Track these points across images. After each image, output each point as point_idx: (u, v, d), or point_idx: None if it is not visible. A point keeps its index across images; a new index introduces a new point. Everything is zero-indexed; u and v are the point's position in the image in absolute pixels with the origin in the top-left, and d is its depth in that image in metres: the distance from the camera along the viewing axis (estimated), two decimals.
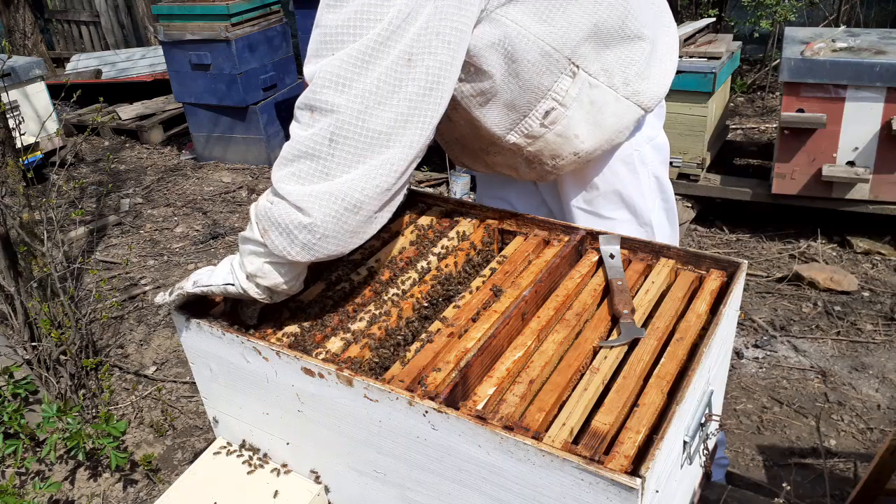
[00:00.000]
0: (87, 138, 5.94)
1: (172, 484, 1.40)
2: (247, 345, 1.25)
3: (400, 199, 1.23)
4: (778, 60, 5.24)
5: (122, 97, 6.62)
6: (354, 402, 1.14)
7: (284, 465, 1.40)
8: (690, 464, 1.20)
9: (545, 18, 1.33)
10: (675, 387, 1.12)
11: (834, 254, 3.64)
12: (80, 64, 7.34)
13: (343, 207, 1.14)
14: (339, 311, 1.39)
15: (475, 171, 1.78)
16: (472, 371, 1.15)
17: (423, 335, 1.26)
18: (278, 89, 5.40)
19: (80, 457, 2.38)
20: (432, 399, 1.06)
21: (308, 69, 1.17)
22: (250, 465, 1.41)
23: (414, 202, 1.69)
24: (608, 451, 0.99)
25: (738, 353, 2.97)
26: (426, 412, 1.06)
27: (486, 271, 1.44)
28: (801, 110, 3.37)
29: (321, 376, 1.17)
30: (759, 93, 5.82)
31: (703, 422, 1.19)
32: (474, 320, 1.28)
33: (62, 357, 2.72)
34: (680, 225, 2.90)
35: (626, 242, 1.46)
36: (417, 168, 2.26)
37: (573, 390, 1.14)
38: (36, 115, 5.10)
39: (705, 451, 1.26)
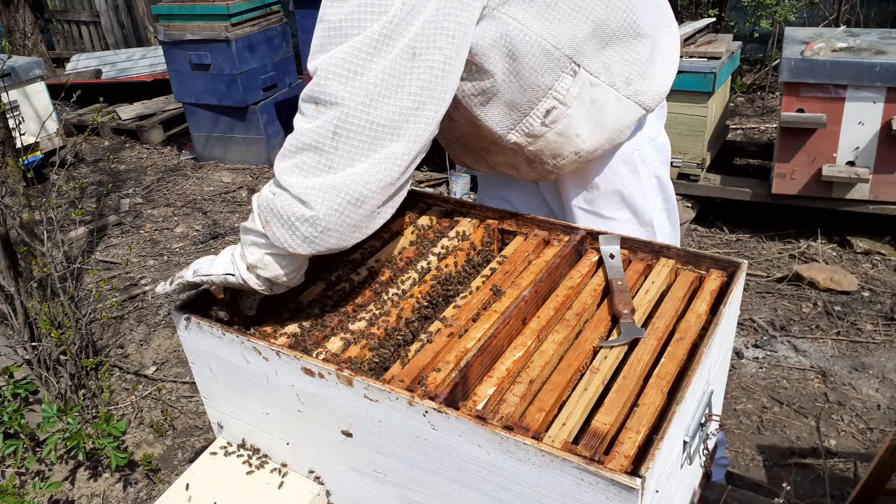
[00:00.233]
0: (87, 138, 5.94)
1: (172, 484, 1.40)
2: (247, 345, 1.25)
3: (403, 194, 1.23)
4: (778, 60, 5.24)
5: (122, 97, 6.62)
6: (354, 402, 1.14)
7: (284, 465, 1.39)
8: (690, 464, 1.20)
9: (546, 17, 1.33)
10: (675, 387, 1.12)
11: (834, 254, 3.64)
12: (80, 64, 7.34)
13: (346, 201, 1.14)
14: (339, 311, 1.39)
15: (476, 170, 1.78)
16: (472, 371, 1.15)
17: (423, 335, 1.26)
18: (278, 89, 5.40)
19: (80, 457, 2.38)
20: (432, 399, 1.06)
21: (312, 63, 1.17)
22: (250, 465, 1.41)
23: (414, 202, 1.69)
24: (608, 451, 0.99)
25: (738, 353, 2.97)
26: (426, 412, 1.06)
27: (486, 271, 1.44)
28: (801, 110, 3.37)
29: (321, 376, 1.17)
30: (759, 93, 5.82)
31: (703, 422, 1.19)
32: (474, 320, 1.28)
33: (62, 357, 2.72)
34: (680, 225, 2.90)
35: (626, 242, 1.46)
36: (417, 168, 2.26)
37: (573, 390, 1.14)
38: (36, 115, 5.10)
39: (705, 451, 1.26)
